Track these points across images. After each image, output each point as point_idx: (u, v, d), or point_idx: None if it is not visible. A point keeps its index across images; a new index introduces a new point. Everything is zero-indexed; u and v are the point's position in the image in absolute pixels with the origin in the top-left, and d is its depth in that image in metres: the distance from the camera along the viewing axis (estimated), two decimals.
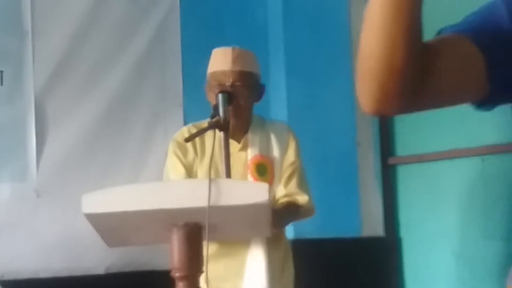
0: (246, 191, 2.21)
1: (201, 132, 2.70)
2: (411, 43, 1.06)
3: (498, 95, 1.17)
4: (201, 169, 2.83)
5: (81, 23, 3.77)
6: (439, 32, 1.19)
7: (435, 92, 1.12)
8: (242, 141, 2.91)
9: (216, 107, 2.67)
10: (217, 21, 4.06)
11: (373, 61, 1.07)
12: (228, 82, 2.84)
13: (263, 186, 2.22)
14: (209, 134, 2.74)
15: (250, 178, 2.85)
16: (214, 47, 2.99)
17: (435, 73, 1.11)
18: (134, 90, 3.83)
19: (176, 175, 2.82)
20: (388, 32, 1.05)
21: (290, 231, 3.47)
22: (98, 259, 3.57)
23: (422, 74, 1.09)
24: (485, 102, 1.19)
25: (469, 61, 1.13)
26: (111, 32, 3.83)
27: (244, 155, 2.89)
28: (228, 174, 2.62)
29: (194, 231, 2.21)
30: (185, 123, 3.49)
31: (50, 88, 3.68)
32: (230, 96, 2.71)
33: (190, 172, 2.84)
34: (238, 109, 2.82)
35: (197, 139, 2.83)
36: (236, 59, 2.87)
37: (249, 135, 2.92)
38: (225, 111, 2.64)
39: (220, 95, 2.68)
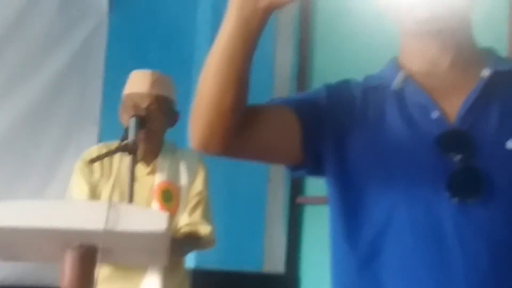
0: (145, 218, 2.20)
1: (107, 154, 2.70)
2: (239, 91, 1.21)
3: (309, 164, 1.35)
4: (106, 190, 2.82)
5: (3, 30, 3.73)
6: (269, 101, 1.36)
7: (254, 143, 1.29)
8: (151, 165, 2.91)
9: (127, 130, 2.68)
10: (144, 45, 4.08)
11: (206, 101, 1.21)
12: (144, 104, 2.85)
13: (163, 215, 2.22)
14: (118, 156, 2.74)
15: (155, 203, 2.86)
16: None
17: (257, 126, 1.27)
18: (50, 104, 3.80)
19: (79, 194, 2.80)
20: (221, 78, 1.20)
21: (191, 260, 3.48)
22: None
23: (245, 123, 1.25)
24: (298, 168, 1.37)
25: (288, 128, 1.31)
26: (33, 42, 3.79)
27: (152, 180, 2.89)
28: (131, 199, 2.62)
29: (88, 254, 2.19)
30: (100, 142, 3.47)
31: None
32: (142, 121, 2.71)
33: (93, 192, 2.82)
34: (150, 133, 2.83)
35: (105, 160, 2.83)
36: (154, 83, 2.88)
37: (159, 160, 2.93)
38: (135, 135, 2.65)
39: (132, 119, 2.68)
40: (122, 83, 3.03)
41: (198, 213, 2.92)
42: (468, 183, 1.27)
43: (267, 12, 1.16)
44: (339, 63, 3.93)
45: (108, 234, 2.12)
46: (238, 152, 1.30)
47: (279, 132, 1.31)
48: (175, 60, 4.03)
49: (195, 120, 1.24)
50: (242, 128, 1.25)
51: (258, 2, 1.14)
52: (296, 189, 4.16)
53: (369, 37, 3.75)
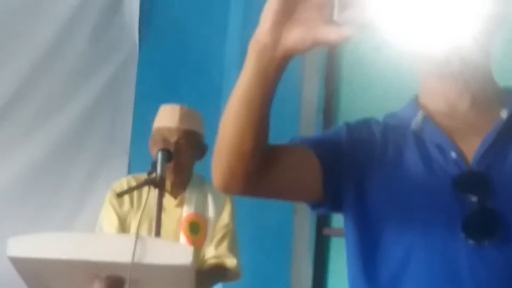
0: (171, 251, 2.26)
1: (135, 188, 2.75)
2: (258, 134, 1.23)
3: (329, 203, 1.37)
4: (135, 222, 2.86)
5: (36, 62, 3.78)
6: (290, 141, 1.39)
7: (274, 183, 1.30)
8: (179, 198, 2.96)
9: (154, 164, 2.73)
10: (174, 76, 4.13)
11: (226, 145, 1.23)
12: (172, 139, 2.90)
13: (188, 249, 2.28)
14: (146, 188, 2.79)
15: (182, 236, 2.90)
16: (167, 101, 3.06)
17: (277, 167, 1.29)
18: (81, 134, 3.84)
19: (109, 226, 2.85)
20: (241, 123, 1.21)
21: None
22: None
23: (265, 165, 1.27)
24: (318, 206, 1.39)
25: (309, 168, 1.33)
26: (65, 73, 3.83)
27: (180, 212, 2.94)
28: (158, 232, 2.66)
29: (116, 285, 2.25)
30: (130, 173, 3.52)
31: None
32: (169, 155, 2.77)
33: (123, 224, 2.87)
34: (179, 166, 2.88)
35: (135, 191, 2.88)
36: (183, 118, 2.94)
37: (187, 193, 2.97)
38: (162, 169, 2.69)
39: (160, 153, 2.74)
40: (152, 113, 3.09)
41: (225, 245, 2.96)
42: (484, 225, 1.29)
43: (285, 60, 1.16)
44: (365, 99, 3.95)
45: (135, 267, 2.17)
46: (259, 192, 1.33)
47: (299, 173, 1.33)
48: (205, 91, 4.08)
49: (216, 162, 1.27)
50: (262, 169, 1.27)
51: (276, 51, 1.15)
52: (323, 221, 4.16)
53: (396, 74, 3.77)
